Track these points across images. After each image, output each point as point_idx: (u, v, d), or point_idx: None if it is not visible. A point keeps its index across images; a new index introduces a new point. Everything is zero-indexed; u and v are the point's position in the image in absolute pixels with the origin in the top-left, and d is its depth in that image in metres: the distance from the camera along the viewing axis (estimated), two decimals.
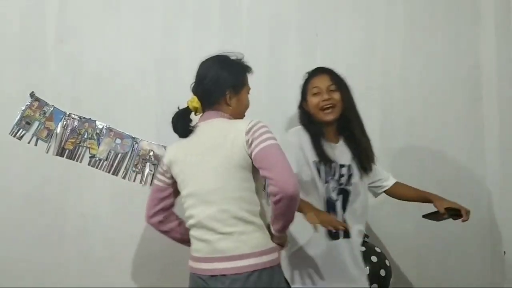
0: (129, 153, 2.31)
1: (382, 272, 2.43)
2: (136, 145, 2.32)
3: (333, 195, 1.96)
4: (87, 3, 2.35)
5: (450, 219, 2.09)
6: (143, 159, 2.33)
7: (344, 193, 1.99)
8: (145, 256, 2.35)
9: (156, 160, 2.33)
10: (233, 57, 1.77)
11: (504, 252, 2.78)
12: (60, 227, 2.21)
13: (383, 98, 2.75)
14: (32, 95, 2.22)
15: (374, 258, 2.44)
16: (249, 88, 1.80)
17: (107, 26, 2.36)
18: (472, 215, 2.84)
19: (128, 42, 2.38)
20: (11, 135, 2.18)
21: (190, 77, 2.44)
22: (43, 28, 2.28)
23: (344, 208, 1.98)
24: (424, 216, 2.05)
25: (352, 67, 2.71)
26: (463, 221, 2.02)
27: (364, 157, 2.02)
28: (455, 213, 1.98)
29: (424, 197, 2.16)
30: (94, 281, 2.24)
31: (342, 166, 1.98)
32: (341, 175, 1.98)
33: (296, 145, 1.91)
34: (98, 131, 2.28)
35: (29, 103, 2.22)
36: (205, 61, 1.78)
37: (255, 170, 1.59)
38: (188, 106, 1.75)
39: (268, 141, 1.56)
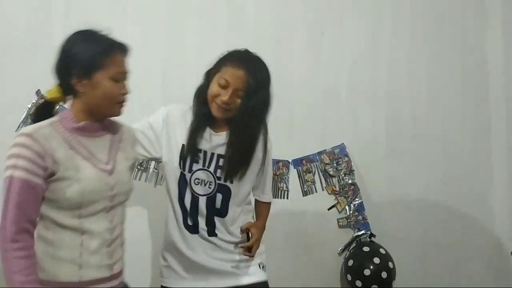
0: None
1: (384, 274, 2.44)
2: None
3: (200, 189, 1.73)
4: (93, 3, 2.36)
5: None
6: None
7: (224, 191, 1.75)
8: (150, 255, 2.37)
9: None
10: (99, 32, 1.43)
11: (511, 252, 2.77)
12: None
13: (388, 97, 2.74)
14: (38, 93, 2.23)
15: (377, 260, 2.45)
16: (118, 73, 1.40)
17: (113, 26, 2.34)
18: (478, 217, 2.85)
19: (134, 42, 2.36)
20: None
21: (195, 77, 2.44)
22: (50, 27, 2.29)
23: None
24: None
25: (358, 65, 2.71)
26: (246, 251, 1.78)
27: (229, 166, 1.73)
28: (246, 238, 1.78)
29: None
30: None
31: (220, 156, 1.73)
32: (219, 166, 1.73)
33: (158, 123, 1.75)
34: None
35: (35, 101, 2.23)
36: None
37: None
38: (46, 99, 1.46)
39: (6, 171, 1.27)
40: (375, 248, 2.51)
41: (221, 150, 1.73)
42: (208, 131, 1.73)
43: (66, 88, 1.40)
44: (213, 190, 1.73)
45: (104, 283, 1.39)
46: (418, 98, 2.79)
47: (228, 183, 1.74)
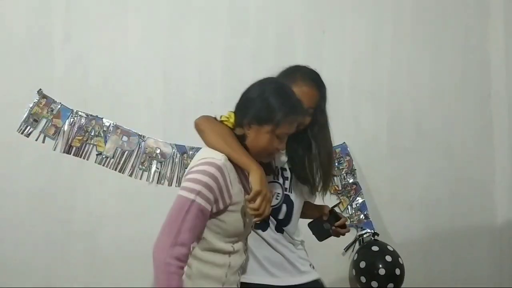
0: (136, 151, 2.31)
1: (397, 271, 2.43)
2: (143, 142, 2.32)
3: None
4: (94, 2, 2.36)
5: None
6: (149, 156, 2.33)
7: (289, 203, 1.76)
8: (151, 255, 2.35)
9: (163, 158, 2.33)
10: (288, 90, 1.49)
11: None
12: (67, 224, 2.22)
13: (390, 96, 2.74)
14: (39, 92, 2.23)
15: (388, 258, 2.44)
16: (286, 133, 1.47)
17: (114, 25, 2.36)
18: (481, 215, 2.84)
19: (135, 41, 2.38)
20: (19, 132, 2.19)
21: (196, 76, 2.45)
22: (50, 27, 2.30)
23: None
24: (309, 224, 1.82)
25: (359, 64, 2.70)
26: (342, 231, 1.78)
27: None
28: (336, 218, 1.76)
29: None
30: (101, 280, 2.24)
31: (284, 169, 1.74)
32: (285, 178, 1.74)
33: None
34: (105, 129, 2.29)
35: (36, 101, 2.23)
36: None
37: None
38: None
39: (180, 191, 1.39)
40: (383, 247, 2.50)
41: (283, 164, 1.73)
42: None
43: (237, 123, 1.48)
44: (280, 201, 1.73)
45: None
46: (420, 96, 2.78)
47: (291, 193, 1.74)
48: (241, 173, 1.48)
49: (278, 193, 1.74)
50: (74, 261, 2.23)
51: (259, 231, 1.73)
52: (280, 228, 1.76)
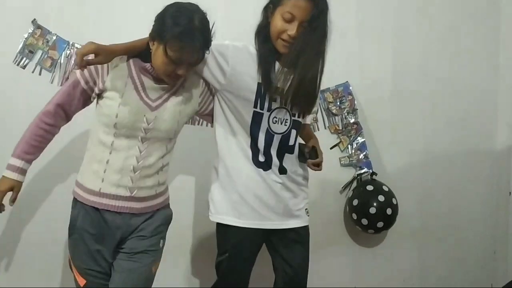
0: None
1: (389, 211, 2.46)
2: None
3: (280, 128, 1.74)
4: None
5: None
6: None
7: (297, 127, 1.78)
8: None
9: None
10: (194, 13, 1.52)
11: (510, 192, 2.79)
12: (66, 158, 2.21)
13: (396, 36, 2.68)
14: (34, 22, 2.16)
15: (381, 198, 2.47)
16: (172, 56, 1.51)
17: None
18: (482, 162, 2.85)
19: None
20: (15, 63, 2.14)
21: None
22: None
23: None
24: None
25: (365, 3, 2.62)
26: (313, 169, 1.86)
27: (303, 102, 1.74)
28: (315, 156, 1.84)
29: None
30: None
31: (291, 91, 1.72)
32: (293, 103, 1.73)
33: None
34: None
35: (31, 31, 2.16)
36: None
37: None
38: None
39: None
40: (378, 186, 2.52)
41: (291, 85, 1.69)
42: (277, 68, 1.70)
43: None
44: (288, 127, 1.74)
45: (122, 201, 1.60)
46: (427, 38, 2.71)
47: (300, 119, 1.77)
48: (141, 72, 1.62)
49: (286, 119, 1.73)
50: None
51: (261, 171, 1.75)
52: (283, 169, 1.77)
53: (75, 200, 1.64)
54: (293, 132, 1.77)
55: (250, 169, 1.74)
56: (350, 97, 2.60)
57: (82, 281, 1.61)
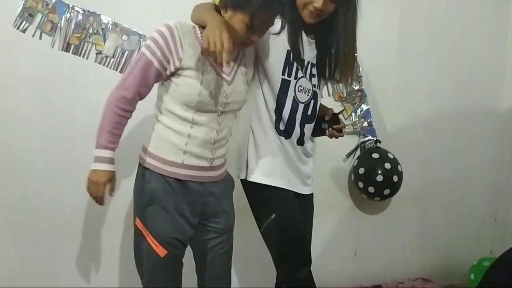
0: (136, 51, 2.23)
1: (395, 178, 2.48)
2: (143, 42, 2.23)
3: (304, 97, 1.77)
4: None
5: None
6: None
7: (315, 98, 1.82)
8: None
9: None
10: None
11: None
12: (71, 123, 2.20)
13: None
14: None
15: (387, 165, 2.47)
16: (252, 25, 1.50)
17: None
18: (486, 123, 2.83)
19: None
20: (14, 27, 2.09)
21: None
22: None
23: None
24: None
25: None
26: (337, 135, 1.88)
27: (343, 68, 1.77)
28: (337, 122, 1.87)
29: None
30: None
31: (313, 65, 1.79)
32: (312, 75, 1.79)
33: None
34: (103, 26, 2.19)
35: None
36: None
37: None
38: None
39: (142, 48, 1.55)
40: (383, 154, 2.52)
41: (313, 59, 1.76)
42: (304, 38, 1.72)
43: (220, 4, 1.55)
44: (310, 97, 1.77)
45: (203, 171, 1.64)
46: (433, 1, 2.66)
47: (318, 90, 1.80)
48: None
49: (309, 89, 1.77)
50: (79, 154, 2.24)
51: (282, 139, 1.78)
52: (301, 140, 1.81)
53: (150, 172, 1.61)
54: (312, 102, 1.79)
55: (274, 134, 1.77)
56: None
57: (162, 252, 1.59)
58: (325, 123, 1.86)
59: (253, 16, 1.48)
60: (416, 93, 2.71)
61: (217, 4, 1.56)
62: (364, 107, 2.61)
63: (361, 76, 2.58)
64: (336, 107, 2.59)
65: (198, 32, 1.59)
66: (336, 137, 1.88)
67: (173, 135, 1.60)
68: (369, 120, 2.62)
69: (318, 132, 1.87)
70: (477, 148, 2.84)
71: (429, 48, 2.67)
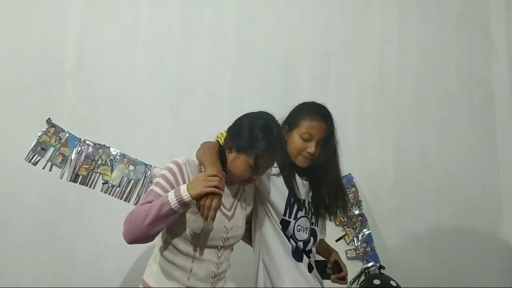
0: (142, 180, 2.32)
1: None
2: (149, 171, 2.33)
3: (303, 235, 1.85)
4: (106, 33, 2.42)
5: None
6: None
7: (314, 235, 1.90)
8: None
9: None
10: (272, 124, 1.59)
11: None
12: (72, 253, 2.20)
13: (396, 128, 2.75)
14: (48, 121, 2.26)
15: None
16: (250, 163, 1.55)
17: (124, 55, 2.41)
18: (489, 246, 2.79)
19: (144, 72, 2.43)
20: (26, 160, 2.20)
21: (203, 107, 2.47)
22: (62, 56, 2.34)
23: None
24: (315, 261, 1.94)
25: (366, 96, 2.73)
26: (339, 283, 1.93)
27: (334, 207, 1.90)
28: (339, 270, 1.92)
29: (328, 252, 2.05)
30: None
31: (310, 202, 1.89)
32: (312, 213, 1.89)
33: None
34: (112, 158, 2.30)
35: (45, 129, 2.25)
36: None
37: None
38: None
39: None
40: (385, 281, 2.46)
41: (309, 197, 1.88)
42: (298, 180, 1.85)
43: (224, 143, 1.62)
44: (308, 235, 1.86)
45: None
46: (426, 129, 2.79)
47: (316, 227, 1.89)
48: None
49: (307, 228, 1.86)
50: None
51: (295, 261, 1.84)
52: (311, 267, 1.87)
53: None
54: (311, 239, 1.87)
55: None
56: (353, 189, 2.63)
57: None
58: (329, 269, 1.91)
59: (257, 158, 1.54)
60: (416, 218, 2.71)
61: (221, 144, 1.64)
62: (365, 231, 2.62)
63: (361, 201, 2.63)
64: (337, 232, 2.60)
65: (203, 169, 1.62)
66: (339, 283, 1.92)
67: (175, 270, 1.60)
68: (371, 245, 2.60)
69: (323, 275, 1.91)
70: (485, 271, 2.77)
71: (423, 175, 2.73)
